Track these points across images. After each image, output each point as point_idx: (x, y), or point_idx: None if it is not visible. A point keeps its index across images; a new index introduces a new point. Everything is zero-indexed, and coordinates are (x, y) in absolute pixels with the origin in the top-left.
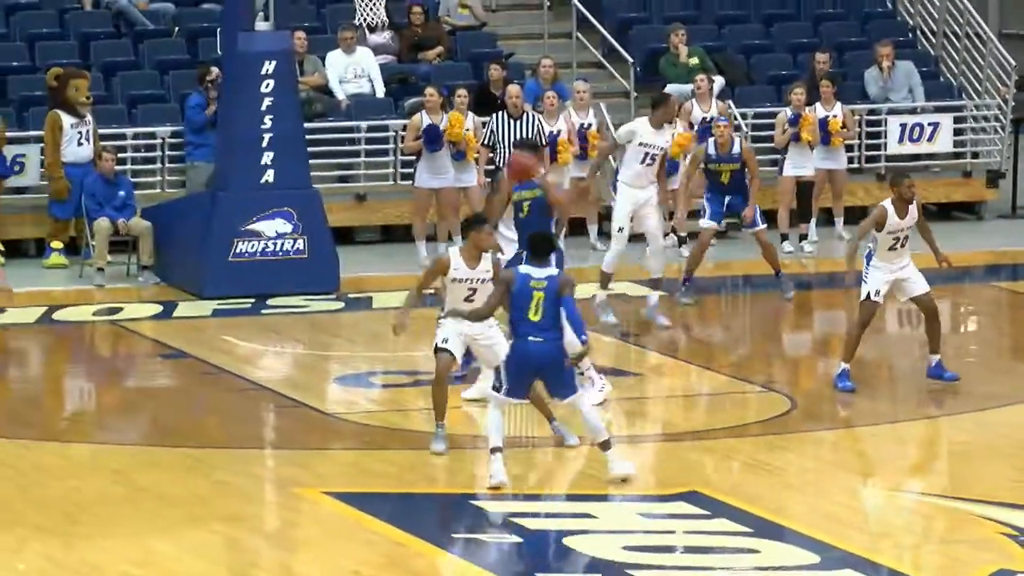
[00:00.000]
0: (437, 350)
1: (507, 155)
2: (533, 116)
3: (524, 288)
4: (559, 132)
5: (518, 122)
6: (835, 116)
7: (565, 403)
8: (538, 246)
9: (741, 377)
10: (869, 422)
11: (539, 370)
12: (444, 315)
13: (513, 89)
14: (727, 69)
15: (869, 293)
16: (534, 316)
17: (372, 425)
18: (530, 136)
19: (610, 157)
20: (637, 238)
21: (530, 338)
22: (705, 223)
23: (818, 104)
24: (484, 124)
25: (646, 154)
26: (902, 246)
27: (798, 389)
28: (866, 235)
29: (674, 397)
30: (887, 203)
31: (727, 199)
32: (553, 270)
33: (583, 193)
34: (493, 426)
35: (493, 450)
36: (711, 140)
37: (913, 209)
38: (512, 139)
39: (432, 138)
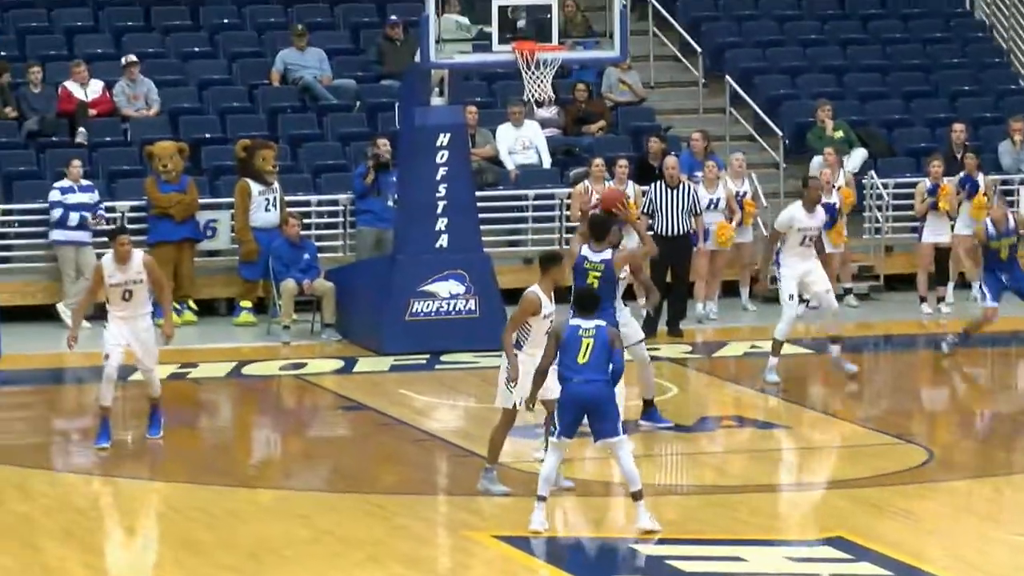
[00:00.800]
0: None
1: (665, 222)
2: (689, 186)
3: (573, 336)
4: (718, 200)
5: (675, 191)
6: (979, 185)
7: (601, 444)
8: (585, 301)
9: (881, 429)
10: (1003, 472)
11: (587, 408)
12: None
13: (670, 160)
14: (870, 142)
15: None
16: (582, 359)
17: (538, 473)
18: (686, 204)
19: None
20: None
21: (576, 379)
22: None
23: (962, 175)
24: (644, 193)
25: (805, 236)
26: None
27: (934, 441)
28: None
29: (820, 448)
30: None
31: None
32: (601, 321)
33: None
34: (547, 473)
35: (540, 498)
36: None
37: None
38: (669, 207)
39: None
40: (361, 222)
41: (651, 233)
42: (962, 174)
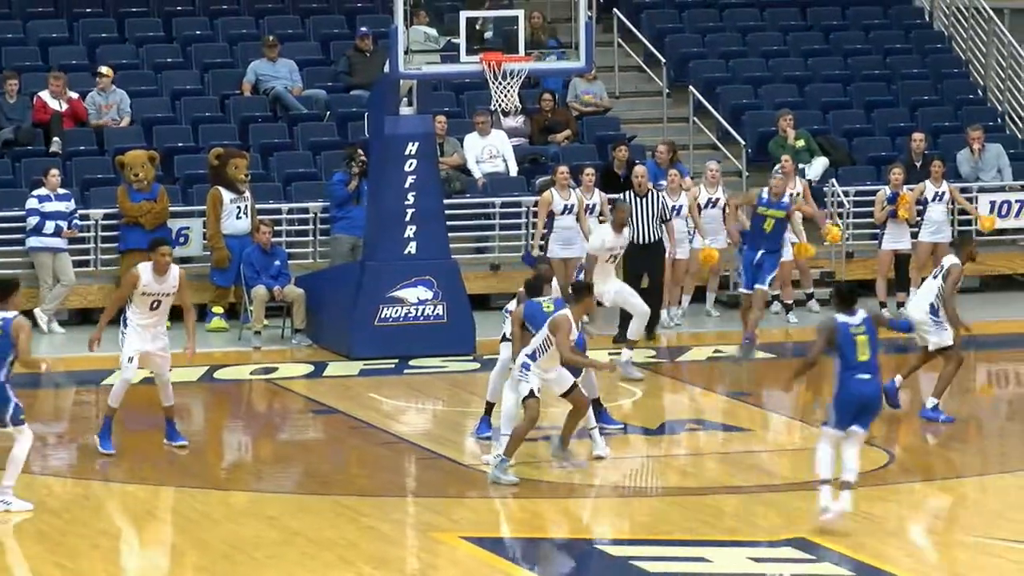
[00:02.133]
0: (529, 396)
1: (637, 230)
2: (657, 194)
3: (846, 335)
4: (680, 207)
5: (644, 199)
6: (944, 193)
7: (851, 432)
8: (846, 297)
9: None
10: (962, 474)
11: (866, 405)
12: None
13: (639, 169)
14: (831, 150)
15: None
16: (862, 357)
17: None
18: (656, 211)
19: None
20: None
21: (858, 376)
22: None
23: (928, 182)
24: (611, 202)
25: (610, 255)
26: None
27: (895, 443)
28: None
29: (782, 451)
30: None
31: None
32: (864, 312)
33: None
34: (825, 459)
35: (823, 482)
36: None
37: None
38: (641, 215)
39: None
40: (337, 229)
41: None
42: (888, 191)
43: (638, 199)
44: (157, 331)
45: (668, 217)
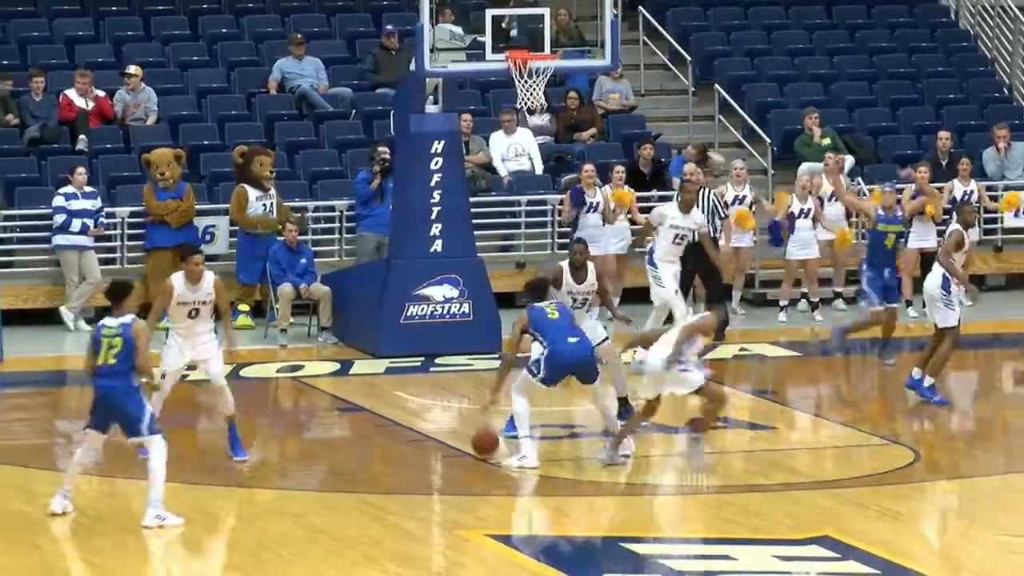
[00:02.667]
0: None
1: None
2: (708, 190)
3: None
4: (745, 197)
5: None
6: (972, 192)
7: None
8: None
9: (868, 431)
10: (988, 472)
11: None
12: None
13: (689, 167)
14: (856, 149)
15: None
16: None
17: (530, 473)
18: (707, 208)
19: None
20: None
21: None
22: None
23: (955, 180)
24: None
25: (676, 235)
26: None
27: (920, 442)
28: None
29: (807, 449)
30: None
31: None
32: None
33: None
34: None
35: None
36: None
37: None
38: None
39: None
40: (363, 227)
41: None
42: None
43: None
44: (199, 338)
45: (724, 214)
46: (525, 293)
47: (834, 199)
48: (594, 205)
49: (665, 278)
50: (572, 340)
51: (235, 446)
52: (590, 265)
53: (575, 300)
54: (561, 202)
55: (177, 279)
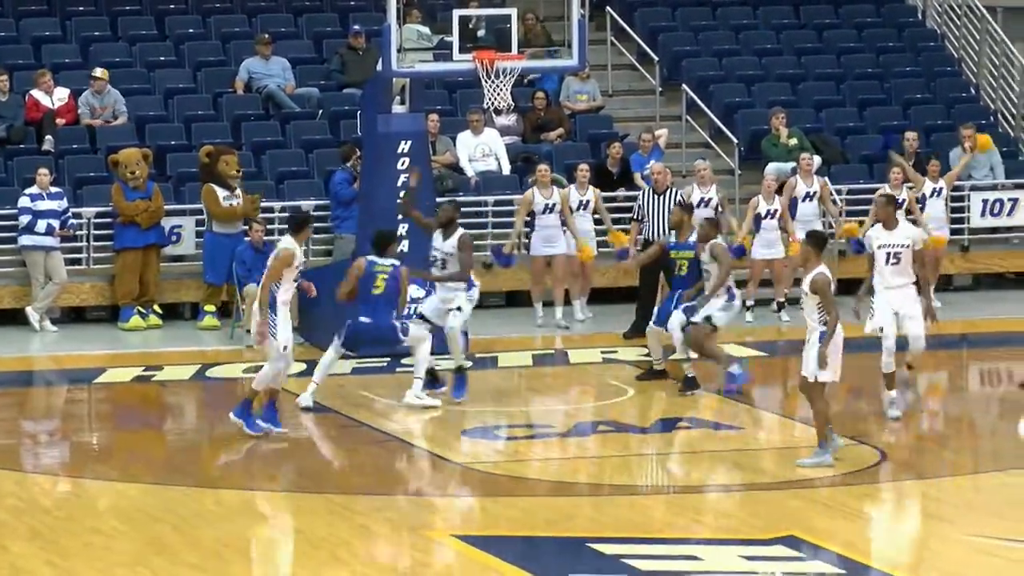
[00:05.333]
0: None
1: (655, 228)
2: (676, 190)
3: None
4: (710, 200)
5: (663, 197)
6: (941, 189)
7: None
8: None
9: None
10: (954, 473)
11: None
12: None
13: (656, 166)
14: (824, 149)
15: None
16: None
17: (496, 474)
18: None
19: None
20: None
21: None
22: None
23: (926, 179)
24: (635, 201)
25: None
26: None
27: (886, 442)
28: None
29: (773, 449)
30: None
31: None
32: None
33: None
34: None
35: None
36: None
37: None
38: (659, 213)
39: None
40: (342, 229)
41: (641, 238)
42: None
43: (657, 196)
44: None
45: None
46: (372, 246)
47: (808, 199)
48: (550, 206)
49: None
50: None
51: (268, 416)
52: (460, 231)
53: (434, 259)
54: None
55: (293, 244)
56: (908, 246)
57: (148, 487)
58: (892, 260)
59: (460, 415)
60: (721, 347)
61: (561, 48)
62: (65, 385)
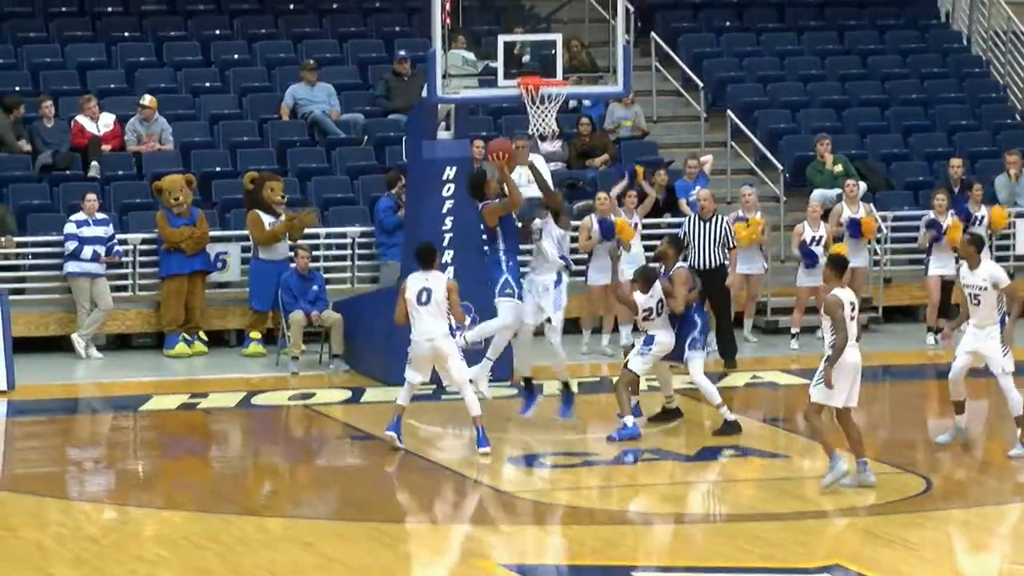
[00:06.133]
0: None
1: (698, 255)
2: (721, 218)
3: None
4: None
5: (707, 224)
6: (983, 216)
7: None
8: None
9: (879, 459)
10: (1001, 501)
11: None
12: None
13: (703, 193)
14: (868, 175)
15: None
16: None
17: (541, 502)
18: (719, 236)
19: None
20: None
21: None
22: None
23: (968, 205)
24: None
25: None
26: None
27: (932, 470)
28: None
29: (818, 477)
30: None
31: None
32: None
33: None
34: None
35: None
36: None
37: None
38: (702, 240)
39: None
40: (389, 256)
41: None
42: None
43: (701, 223)
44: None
45: (732, 244)
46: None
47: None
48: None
49: None
50: None
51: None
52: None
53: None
54: (576, 228)
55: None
56: (985, 288)
57: (192, 515)
58: (973, 301)
59: (505, 443)
60: (628, 396)
61: (606, 74)
62: (110, 412)
